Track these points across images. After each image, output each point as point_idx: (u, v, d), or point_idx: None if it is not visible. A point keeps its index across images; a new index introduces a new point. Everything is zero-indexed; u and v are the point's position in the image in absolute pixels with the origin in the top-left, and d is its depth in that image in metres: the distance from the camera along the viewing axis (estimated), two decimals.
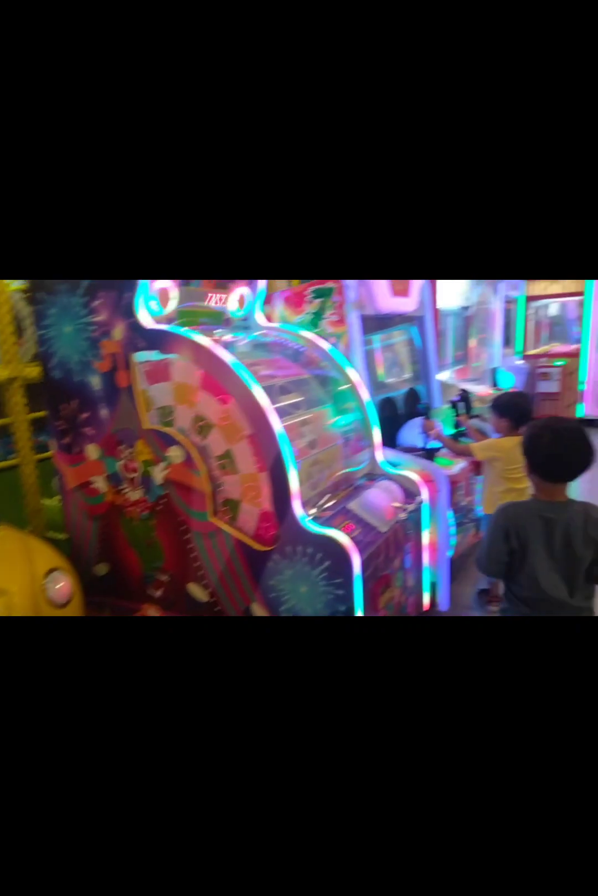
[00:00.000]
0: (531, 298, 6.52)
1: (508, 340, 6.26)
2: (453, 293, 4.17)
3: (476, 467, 2.80)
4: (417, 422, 2.44)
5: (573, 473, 1.29)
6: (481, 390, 4.26)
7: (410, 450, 2.51)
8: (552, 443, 1.27)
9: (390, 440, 2.60)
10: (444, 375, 4.32)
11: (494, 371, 4.92)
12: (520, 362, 6.04)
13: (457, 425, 2.57)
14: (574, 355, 6.16)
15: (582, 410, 5.87)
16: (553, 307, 7.37)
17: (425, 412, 2.39)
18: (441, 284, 3.84)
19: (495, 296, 5.00)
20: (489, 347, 4.96)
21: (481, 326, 4.76)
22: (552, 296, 6.54)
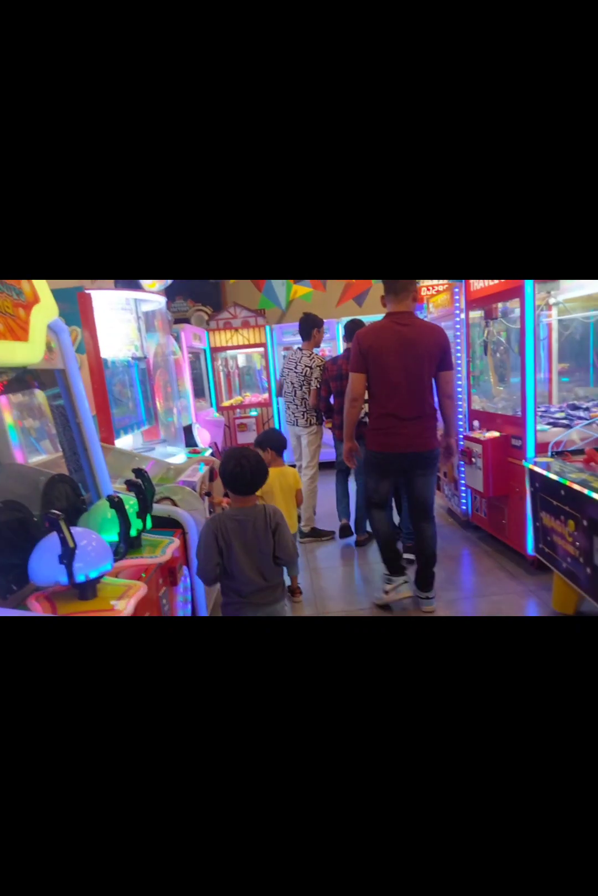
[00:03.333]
0: (216, 349, 6.34)
1: (201, 392, 5.89)
2: (122, 342, 3.37)
3: (171, 577, 1.99)
4: (53, 542, 1.46)
5: (257, 488, 1.86)
6: (175, 455, 3.57)
7: (49, 589, 1.51)
8: (251, 470, 1.82)
9: (18, 578, 1.54)
10: (126, 441, 3.47)
11: (188, 428, 4.33)
12: (217, 416, 5.71)
13: (124, 534, 1.69)
14: (266, 404, 6.23)
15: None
16: (241, 357, 7.47)
17: (56, 523, 1.42)
18: (103, 332, 2.98)
19: (176, 346, 4.46)
20: (180, 402, 4.35)
21: (167, 379, 4.10)
22: (237, 347, 6.50)
